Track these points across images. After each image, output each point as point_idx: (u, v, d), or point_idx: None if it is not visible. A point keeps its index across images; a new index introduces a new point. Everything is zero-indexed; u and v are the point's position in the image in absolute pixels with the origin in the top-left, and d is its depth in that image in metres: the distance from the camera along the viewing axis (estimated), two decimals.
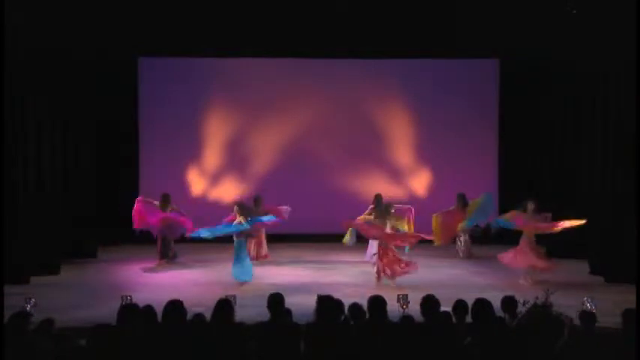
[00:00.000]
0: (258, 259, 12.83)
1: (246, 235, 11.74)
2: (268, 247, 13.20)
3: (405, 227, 11.84)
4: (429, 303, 6.28)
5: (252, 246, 12.80)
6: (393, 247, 11.26)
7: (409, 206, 12.34)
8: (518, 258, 11.28)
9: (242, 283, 11.00)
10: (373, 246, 12.28)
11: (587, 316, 6.43)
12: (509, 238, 11.87)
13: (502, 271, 11.74)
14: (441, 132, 15.43)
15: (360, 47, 14.79)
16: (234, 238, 11.56)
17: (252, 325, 6.19)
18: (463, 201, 13.51)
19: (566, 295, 8.68)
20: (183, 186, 15.11)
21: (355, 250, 12.80)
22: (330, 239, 13.49)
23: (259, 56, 15.12)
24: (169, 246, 12.77)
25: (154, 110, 15.28)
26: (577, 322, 6.39)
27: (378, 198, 12.84)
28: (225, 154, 15.46)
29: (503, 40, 14.28)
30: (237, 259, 11.35)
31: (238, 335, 5.95)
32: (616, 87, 11.74)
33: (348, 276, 11.67)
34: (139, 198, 12.84)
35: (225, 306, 6.19)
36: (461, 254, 13.73)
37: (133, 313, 6.07)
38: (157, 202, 12.65)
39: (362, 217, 12.29)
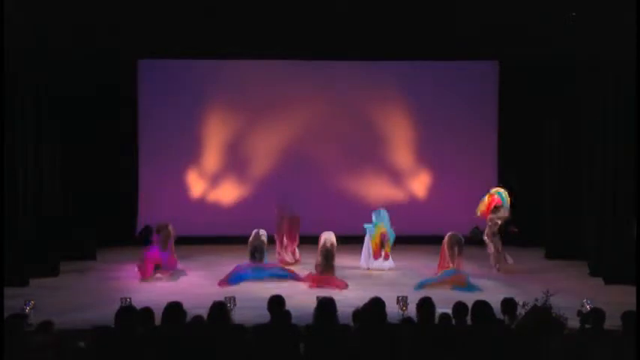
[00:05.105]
0: None
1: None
2: (268, 248, 13.18)
3: None
4: (425, 305, 6.27)
5: None
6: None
7: None
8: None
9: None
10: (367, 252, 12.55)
11: (595, 315, 6.30)
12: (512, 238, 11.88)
13: (501, 272, 11.74)
14: (441, 133, 15.39)
15: (360, 49, 14.74)
16: None
17: (251, 327, 6.18)
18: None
19: (566, 296, 8.69)
20: (182, 188, 15.09)
21: (355, 251, 12.77)
22: None
23: (259, 58, 15.07)
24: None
25: (153, 112, 15.23)
26: (574, 323, 6.37)
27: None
28: (224, 156, 15.43)
29: (503, 41, 14.25)
30: None
31: (237, 337, 5.94)
32: (616, 88, 11.73)
33: (348, 278, 11.63)
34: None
35: (219, 309, 6.18)
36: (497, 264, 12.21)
37: (130, 315, 6.06)
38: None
39: None
